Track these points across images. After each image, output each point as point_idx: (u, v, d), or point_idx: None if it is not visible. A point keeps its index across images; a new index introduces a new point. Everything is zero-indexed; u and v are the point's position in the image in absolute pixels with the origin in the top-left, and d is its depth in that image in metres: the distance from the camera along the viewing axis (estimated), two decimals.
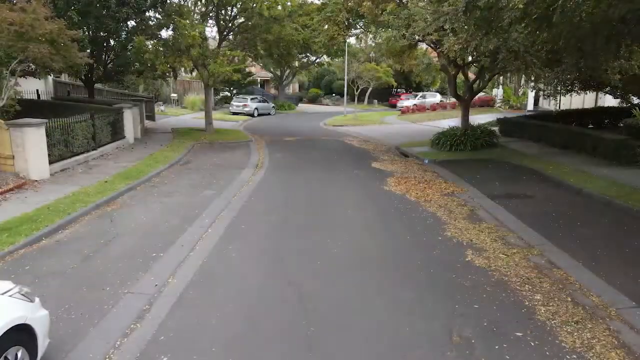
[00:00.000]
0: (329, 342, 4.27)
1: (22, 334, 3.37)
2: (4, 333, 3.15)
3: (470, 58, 13.02)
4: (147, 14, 15.39)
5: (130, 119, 16.02)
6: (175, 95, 33.44)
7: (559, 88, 15.97)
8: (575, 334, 4.40)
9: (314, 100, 47.88)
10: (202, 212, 8.34)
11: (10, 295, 3.43)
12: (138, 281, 5.46)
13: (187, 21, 14.59)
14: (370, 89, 40.49)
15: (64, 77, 22.86)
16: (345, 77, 29.46)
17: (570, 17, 5.50)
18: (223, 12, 17.17)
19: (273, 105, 35.01)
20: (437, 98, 39.32)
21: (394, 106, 40.04)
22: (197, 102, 32.79)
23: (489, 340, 4.29)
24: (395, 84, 34.79)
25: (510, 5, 5.58)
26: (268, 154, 15.38)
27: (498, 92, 30.45)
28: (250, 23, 16.71)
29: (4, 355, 3.18)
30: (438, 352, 4.12)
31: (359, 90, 31.63)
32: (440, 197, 9.71)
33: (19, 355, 3.34)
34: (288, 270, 5.97)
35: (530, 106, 25.95)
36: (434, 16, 7.51)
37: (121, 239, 6.93)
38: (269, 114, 33.39)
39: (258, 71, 42.10)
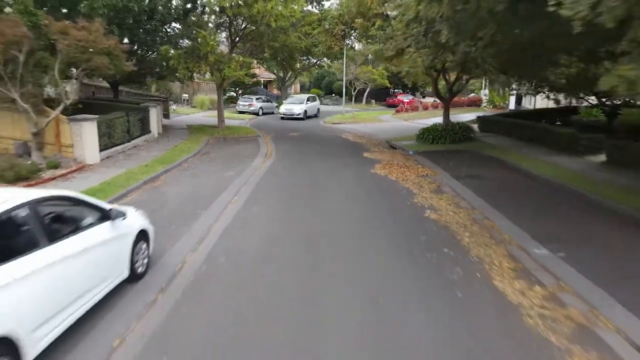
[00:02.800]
0: (322, 245, 6.68)
1: (144, 234, 5.79)
2: (139, 232, 5.57)
3: (439, 66, 15.38)
4: (171, 25, 17.81)
5: (155, 116, 18.45)
6: (186, 95, 35.90)
7: (525, 89, 18.35)
8: (483, 251, 6.81)
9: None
10: (227, 187, 10.74)
11: (136, 212, 5.84)
12: (195, 223, 7.87)
13: (206, 32, 17.03)
14: (368, 89, 42.91)
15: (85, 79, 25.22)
16: (344, 79, 31.88)
17: (497, 39, 7.83)
18: (235, 22, 19.59)
19: (277, 104, 37.41)
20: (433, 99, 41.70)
21: (391, 106, 42.39)
22: (206, 101, 35.23)
23: (426, 252, 6.69)
24: (389, 85, 37.11)
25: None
26: (275, 147, 17.78)
27: (485, 93, 32.81)
28: (259, 31, 19.09)
29: (137, 245, 5.58)
30: (395, 255, 6.52)
31: (356, 91, 34.04)
32: (416, 177, 12.11)
33: (143, 247, 5.76)
34: (296, 216, 8.41)
35: (512, 106, 28.30)
36: (403, 36, 9.89)
37: (172, 203, 9.34)
38: (272, 112, 35.77)
39: (261, 72, 44.53)
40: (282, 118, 30.70)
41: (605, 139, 12.64)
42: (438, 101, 39.99)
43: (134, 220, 5.61)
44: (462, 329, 4.66)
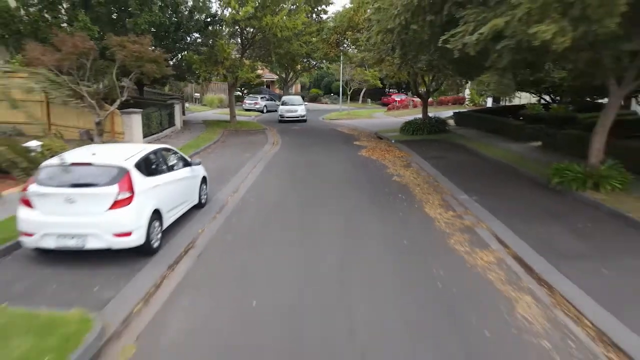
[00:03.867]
0: (317, 192, 10.05)
1: (204, 179, 9.16)
2: (202, 177, 8.95)
3: (409, 71, 18.68)
4: (194, 35, 21.15)
5: (178, 112, 21.83)
6: (198, 94, 39.29)
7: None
8: (424, 196, 10.16)
9: (314, 99, 53.69)
10: (245, 163, 14.09)
11: (199, 164, 9.20)
12: (228, 182, 11.24)
13: (223, 41, 20.40)
14: (364, 89, 46.24)
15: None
16: (341, 80, 35.21)
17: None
18: (246, 31, 22.95)
19: (279, 103, 40.76)
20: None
21: (386, 104, 45.67)
22: (215, 100, 38.62)
23: (387, 197, 10.05)
24: (380, 85, 40.47)
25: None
26: (280, 137, 21.14)
27: (468, 92, 36.11)
28: (266, 39, 22.44)
29: (201, 185, 8.93)
30: (366, 197, 9.88)
31: (351, 91, 37.38)
32: (392, 158, 15.48)
33: (204, 187, 9.13)
34: (298, 179, 11.78)
35: (489, 104, 31.61)
36: (377, 50, 13.27)
37: (209, 172, 12.66)
38: (276, 110, 39.08)
39: (265, 73, 47.89)
40: (281, 121, 28.66)
41: (543, 128, 15.97)
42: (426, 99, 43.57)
43: (200, 169, 8.99)
44: (400, 227, 8.04)
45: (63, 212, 5.90)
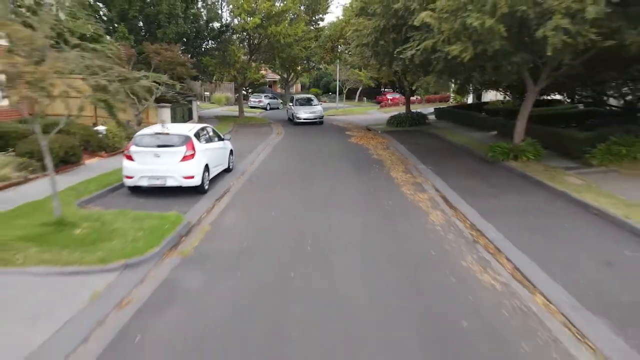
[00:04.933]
0: (314, 164, 13.59)
1: (231, 151, 12.70)
2: (230, 150, 12.49)
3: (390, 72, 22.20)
4: (209, 42, 24.67)
5: (195, 107, 25.39)
6: (207, 93, 42.86)
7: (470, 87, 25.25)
8: (393, 166, 13.69)
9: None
10: (257, 146, 17.62)
11: (229, 140, 12.73)
12: (245, 158, 14.77)
13: (234, 47, 23.93)
14: (360, 88, 49.79)
15: None
16: (337, 80, 38.70)
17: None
18: (253, 37, 26.47)
19: (281, 101, 44.35)
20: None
21: (381, 102, 49.21)
22: (222, 98, 42.17)
23: (365, 166, 13.58)
24: (372, 85, 43.97)
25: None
26: (283, 129, 24.66)
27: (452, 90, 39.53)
28: (271, 45, 25.97)
29: (230, 155, 12.46)
30: (349, 167, 13.42)
31: (347, 90, 40.93)
32: (375, 143, 19.01)
33: (231, 157, 12.66)
34: (299, 156, 15.31)
35: (470, 100, 35.06)
36: (359, 57, 16.80)
37: None
38: (277, 108, 42.69)
39: (267, 74, 51.44)
40: (297, 123, 26.32)
41: (499, 120, 19.47)
42: (416, 98, 47.11)
43: (229, 143, 12.52)
44: (369, 182, 11.57)
45: (152, 162, 9.42)
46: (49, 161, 7.22)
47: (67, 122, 8.54)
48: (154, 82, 9.29)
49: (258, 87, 46.54)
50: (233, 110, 34.94)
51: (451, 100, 38.60)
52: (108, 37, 19.82)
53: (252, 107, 40.50)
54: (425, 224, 8.30)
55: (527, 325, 4.81)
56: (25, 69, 6.21)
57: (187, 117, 23.30)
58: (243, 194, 10.39)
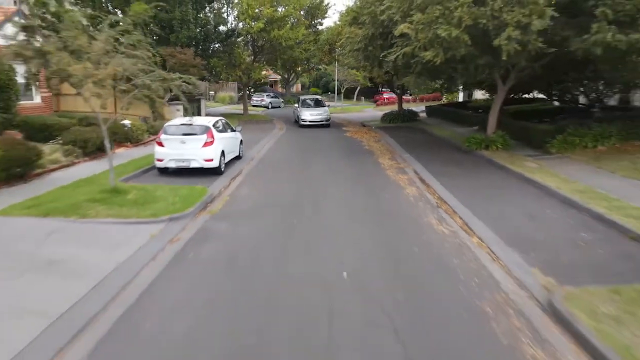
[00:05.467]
0: (312, 152, 15.66)
1: (241, 141, 14.76)
2: (240, 140, 14.56)
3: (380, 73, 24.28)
4: (216, 45, 26.74)
5: (203, 105, 27.43)
6: (213, 92, 44.93)
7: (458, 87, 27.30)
8: (381, 155, 15.75)
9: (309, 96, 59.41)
10: (262, 139, 19.67)
11: (238, 131, 14.79)
12: (252, 149, 16.84)
13: (240, 49, 25.98)
14: (358, 88, 51.84)
15: None
16: (336, 80, 40.75)
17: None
18: (257, 41, 28.53)
19: (282, 100, 46.44)
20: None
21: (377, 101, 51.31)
22: (226, 97, 44.23)
23: (357, 154, 15.65)
24: (369, 84, 46.05)
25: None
26: (285, 126, 26.72)
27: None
28: (273, 47, 28.03)
29: (240, 144, 14.52)
30: (343, 154, 15.47)
31: (344, 89, 42.98)
32: (368, 137, 21.06)
33: (241, 146, 14.72)
34: (300, 146, 17.37)
35: (461, 99, 37.10)
36: (353, 59, 18.84)
37: None
38: (279, 106, 44.75)
39: (269, 74, 53.54)
40: (302, 126, 25.00)
41: (480, 115, 21.50)
42: (411, 97, 49.20)
43: (239, 134, 14.58)
44: (359, 166, 13.63)
45: (179, 148, 11.47)
46: (107, 144, 9.28)
47: (120, 118, 10.51)
48: (184, 82, 11.27)
49: (260, 86, 48.59)
50: (237, 108, 37.00)
51: (444, 99, 40.67)
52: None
53: (254, 106, 42.54)
54: (401, 194, 10.36)
55: (460, 252, 6.85)
56: (93, 72, 8.26)
57: (196, 114, 25.31)
58: (253, 175, 12.45)
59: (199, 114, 26.02)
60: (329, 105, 26.66)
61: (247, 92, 49.42)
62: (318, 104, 26.90)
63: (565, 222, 8.13)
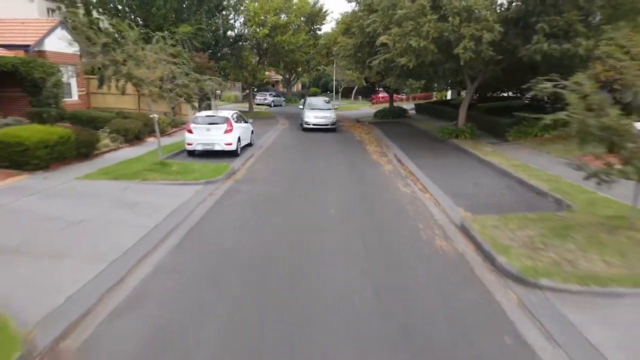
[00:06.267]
0: (311, 143, 18.64)
1: (252, 131, 17.75)
2: (251, 130, 17.55)
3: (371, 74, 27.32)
4: (225, 49, 29.71)
5: (213, 103, 30.36)
6: (219, 91, 47.87)
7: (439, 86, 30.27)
8: (369, 144, 18.72)
9: (313, 96, 62.36)
10: (268, 132, 22.62)
11: (250, 122, 17.78)
12: (260, 139, 19.82)
13: (246, 52, 28.96)
14: (355, 88, 54.82)
15: None
16: (334, 80, 43.68)
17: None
18: (261, 43, 31.50)
19: (284, 99, 49.39)
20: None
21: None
22: (232, 97, 47.17)
23: (349, 143, 18.63)
24: (365, 84, 49.11)
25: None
26: (287, 121, 29.69)
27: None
28: (276, 51, 31.01)
29: (252, 134, 17.50)
30: (339, 144, 18.45)
31: (342, 89, 45.96)
32: (360, 131, 24.03)
33: (253, 135, 17.71)
34: (301, 139, 20.35)
35: (449, 97, 40.07)
36: (346, 62, 21.81)
37: None
38: (281, 105, 47.70)
39: (271, 75, 56.52)
40: (306, 129, 23.21)
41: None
42: (404, 95, 52.18)
43: (250, 125, 17.55)
44: (351, 152, 16.62)
45: (205, 134, 14.43)
46: (156, 129, 12.27)
47: (168, 113, 13.46)
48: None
49: (263, 86, 51.54)
50: (242, 106, 39.93)
51: (434, 97, 43.69)
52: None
53: (257, 104, 45.48)
54: (379, 170, 13.34)
55: (414, 202, 9.82)
56: (149, 75, 11.22)
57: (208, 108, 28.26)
58: (263, 157, 15.42)
59: (203, 108, 29.02)
60: (336, 108, 25.52)
61: (251, 91, 52.62)
62: (324, 105, 24.76)
63: (495, 185, 11.13)
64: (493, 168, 13.06)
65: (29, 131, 11.14)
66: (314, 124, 23.07)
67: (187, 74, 12.50)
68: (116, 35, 23.71)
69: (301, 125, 23.93)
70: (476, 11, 13.91)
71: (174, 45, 12.08)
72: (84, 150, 12.88)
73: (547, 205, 9.17)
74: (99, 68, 11.41)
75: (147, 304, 5.22)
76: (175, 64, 12.11)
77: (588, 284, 5.46)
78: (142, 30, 12.53)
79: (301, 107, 25.34)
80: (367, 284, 5.76)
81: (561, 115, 6.88)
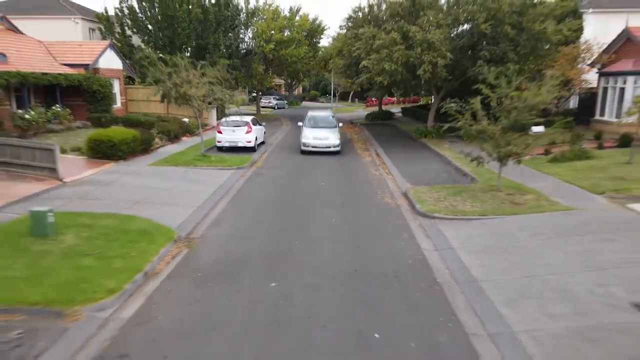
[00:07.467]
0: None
1: (264, 132, 22.58)
2: (264, 131, 22.40)
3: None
4: (237, 61, 34.49)
5: (235, 108, 35.23)
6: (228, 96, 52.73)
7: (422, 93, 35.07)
8: (357, 141, 23.54)
9: (313, 99, 67.21)
10: (275, 132, 27.45)
11: (263, 125, 22.60)
12: (272, 136, 24.63)
13: (255, 64, 33.78)
14: (352, 92, 59.70)
15: None
16: (332, 85, 48.50)
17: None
18: (267, 55, 36.32)
19: (286, 102, 54.22)
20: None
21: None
22: (240, 100, 51.92)
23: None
24: (360, 89, 54.02)
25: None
26: (290, 123, 34.51)
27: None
28: (280, 61, 35.82)
29: (264, 134, 22.32)
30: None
31: (339, 93, 50.81)
32: (352, 131, 28.83)
33: (265, 135, 22.54)
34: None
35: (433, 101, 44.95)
36: (341, 70, 26.69)
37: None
38: (283, 107, 52.49)
39: (275, 80, 61.37)
40: (304, 152, 19.56)
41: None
42: (394, 98, 57.06)
43: (263, 127, 22.37)
44: (342, 148, 21.48)
45: (231, 134, 19.26)
46: (200, 129, 17.10)
47: (192, 117, 18.31)
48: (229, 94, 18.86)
49: (267, 90, 56.40)
50: (250, 109, 44.78)
51: (421, 101, 48.60)
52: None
53: (263, 107, 50.28)
54: (361, 160, 18.17)
55: (380, 180, 14.65)
56: (197, 93, 16.04)
57: (222, 114, 33.10)
58: (274, 152, 20.23)
59: (225, 115, 33.89)
60: (340, 125, 21.48)
61: (256, 95, 57.51)
62: (328, 122, 20.93)
63: (438, 170, 15.98)
64: (442, 159, 17.89)
65: (114, 132, 15.98)
66: (313, 146, 19.36)
67: (221, 91, 17.32)
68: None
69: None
70: (433, 43, 18.74)
71: (218, 71, 16.89)
72: (145, 146, 17.70)
73: (465, 181, 14.02)
74: (155, 82, 16.23)
75: (223, 224, 10.04)
76: (212, 83, 16.92)
77: (457, 215, 10.28)
78: (189, 60, 17.33)
79: (300, 123, 21.37)
80: (341, 216, 10.60)
81: (455, 124, 11.67)
